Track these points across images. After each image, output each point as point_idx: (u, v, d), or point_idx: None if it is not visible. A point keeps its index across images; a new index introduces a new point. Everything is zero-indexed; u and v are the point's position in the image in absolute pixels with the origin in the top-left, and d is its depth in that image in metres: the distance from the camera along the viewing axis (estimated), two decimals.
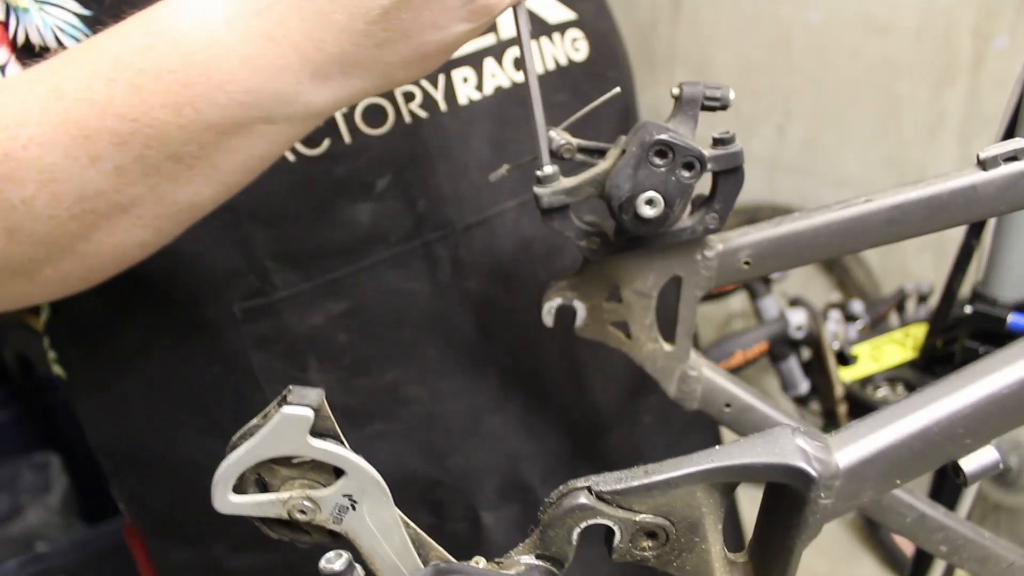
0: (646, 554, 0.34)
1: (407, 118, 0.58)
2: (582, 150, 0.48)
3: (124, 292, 0.51)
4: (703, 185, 0.47)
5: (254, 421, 0.32)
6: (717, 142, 0.46)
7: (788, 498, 0.33)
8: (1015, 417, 0.34)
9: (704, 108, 0.46)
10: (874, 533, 1.92)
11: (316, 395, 0.32)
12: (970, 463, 0.35)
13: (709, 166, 0.45)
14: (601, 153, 0.48)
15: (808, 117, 2.08)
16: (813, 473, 0.32)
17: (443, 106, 0.59)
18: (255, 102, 0.40)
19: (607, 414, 0.72)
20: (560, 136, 0.48)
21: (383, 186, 0.58)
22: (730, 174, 0.46)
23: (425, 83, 0.58)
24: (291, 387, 0.33)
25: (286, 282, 0.58)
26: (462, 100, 0.59)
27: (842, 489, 0.33)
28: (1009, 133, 0.68)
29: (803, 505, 0.32)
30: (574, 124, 0.48)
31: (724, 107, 0.46)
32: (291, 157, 0.55)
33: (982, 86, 1.79)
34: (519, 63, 0.61)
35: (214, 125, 0.40)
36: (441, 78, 0.58)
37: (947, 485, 0.78)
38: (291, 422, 0.32)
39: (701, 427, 0.81)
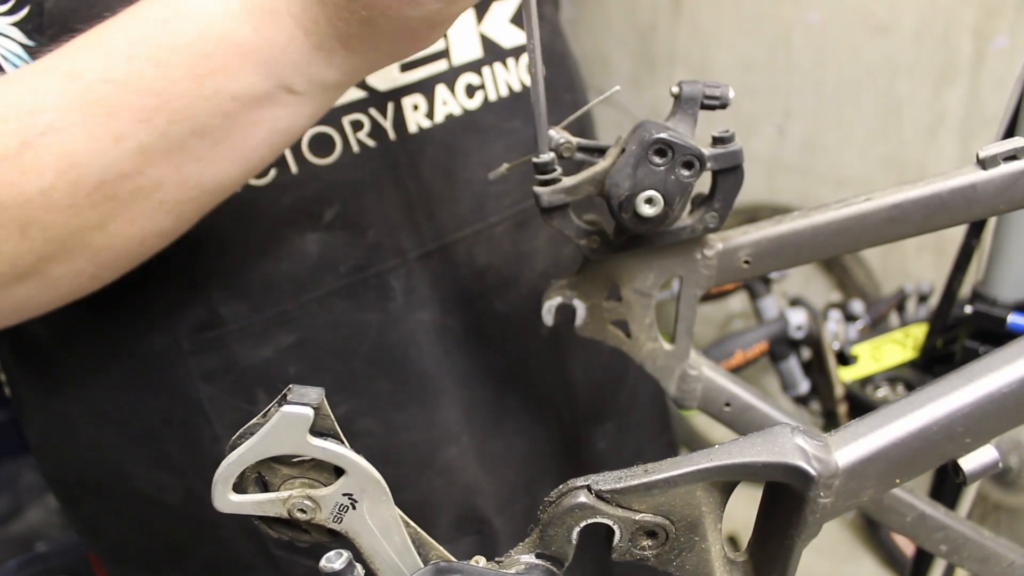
0: (646, 553, 0.34)
1: (355, 147, 0.56)
2: (582, 149, 0.48)
3: (68, 319, 0.49)
4: (703, 184, 0.47)
5: (254, 420, 0.32)
6: (716, 141, 0.46)
7: (787, 497, 0.33)
8: (1014, 416, 0.34)
9: (703, 107, 0.46)
10: (874, 533, 1.92)
11: (316, 394, 0.32)
12: (969, 462, 0.35)
13: (708, 165, 0.45)
14: (601, 152, 0.48)
15: (808, 117, 2.08)
16: (812, 472, 0.32)
17: (392, 135, 0.58)
18: (272, 72, 0.40)
19: (562, 442, 0.71)
20: (560, 135, 0.48)
21: (331, 216, 0.57)
22: (729, 173, 0.46)
23: (374, 111, 0.57)
24: (291, 386, 0.33)
25: (234, 314, 0.56)
26: (412, 128, 0.58)
27: (841, 488, 0.33)
28: (1009, 133, 0.68)
29: (802, 504, 0.32)
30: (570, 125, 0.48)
31: (723, 106, 0.46)
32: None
33: (982, 86, 1.79)
34: (473, 88, 0.60)
35: (237, 96, 0.39)
36: (390, 106, 0.57)
37: (947, 484, 0.78)
38: (291, 421, 0.32)
39: (656, 451, 0.80)
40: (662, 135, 0.43)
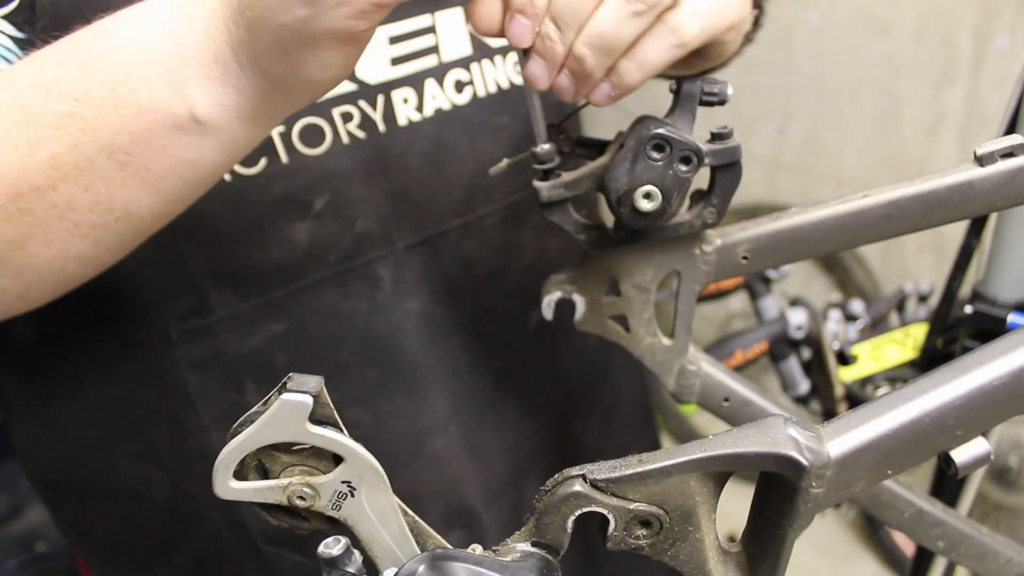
0: (640, 543, 0.34)
1: (345, 138, 0.57)
2: (580, 143, 0.49)
3: (54, 313, 0.50)
4: (702, 180, 0.47)
5: (255, 407, 0.33)
6: (715, 137, 0.46)
7: (780, 487, 0.33)
8: (1005, 409, 0.34)
9: (702, 103, 0.46)
10: (874, 533, 1.92)
11: (316, 382, 0.33)
12: (961, 454, 0.35)
13: (706, 160, 0.45)
14: (599, 147, 0.48)
15: (808, 117, 2.08)
16: (805, 462, 0.32)
17: (382, 127, 0.58)
18: (176, 83, 0.40)
19: (548, 437, 0.72)
20: (559, 130, 0.48)
21: (321, 205, 0.57)
22: (727, 168, 0.46)
23: (363, 103, 0.57)
24: (291, 374, 0.33)
25: (223, 303, 0.57)
26: (401, 121, 0.59)
27: (834, 478, 0.33)
28: (1009, 132, 0.68)
29: (795, 494, 0.33)
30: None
31: (722, 102, 0.46)
32: (227, 177, 0.54)
33: (982, 86, 1.79)
34: (462, 84, 0.61)
35: (144, 106, 0.40)
36: (380, 98, 0.58)
37: (947, 482, 0.78)
38: (291, 408, 0.32)
39: (641, 444, 0.81)
40: (660, 130, 0.43)
